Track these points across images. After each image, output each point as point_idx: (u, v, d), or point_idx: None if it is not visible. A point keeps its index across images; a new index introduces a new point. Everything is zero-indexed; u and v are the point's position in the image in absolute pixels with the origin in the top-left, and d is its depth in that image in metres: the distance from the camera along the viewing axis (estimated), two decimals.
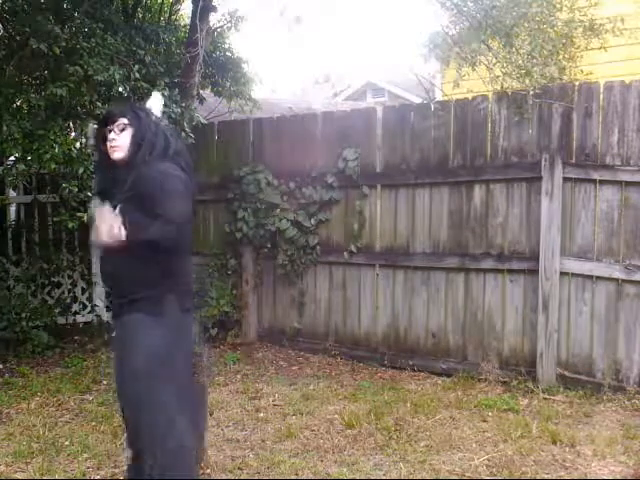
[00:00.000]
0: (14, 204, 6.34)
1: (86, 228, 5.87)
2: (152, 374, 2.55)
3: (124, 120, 2.63)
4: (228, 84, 6.51)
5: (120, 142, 2.62)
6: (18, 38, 5.15)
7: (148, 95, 2.88)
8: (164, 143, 2.64)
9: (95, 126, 2.86)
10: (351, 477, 3.29)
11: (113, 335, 2.78)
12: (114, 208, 2.51)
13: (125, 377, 2.64)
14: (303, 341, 5.78)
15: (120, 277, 2.63)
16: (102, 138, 2.68)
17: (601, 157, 4.43)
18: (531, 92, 4.57)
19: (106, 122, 2.68)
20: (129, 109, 2.70)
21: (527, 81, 4.64)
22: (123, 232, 2.41)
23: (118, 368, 2.71)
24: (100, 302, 6.37)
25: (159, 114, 2.78)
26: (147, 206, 2.46)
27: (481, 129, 4.89)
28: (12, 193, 6.21)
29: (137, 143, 2.61)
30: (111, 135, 2.64)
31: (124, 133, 2.63)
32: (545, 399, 4.38)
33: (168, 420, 2.56)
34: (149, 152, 2.59)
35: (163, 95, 2.84)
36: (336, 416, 4.11)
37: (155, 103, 2.80)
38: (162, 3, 6.84)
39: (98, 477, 3.34)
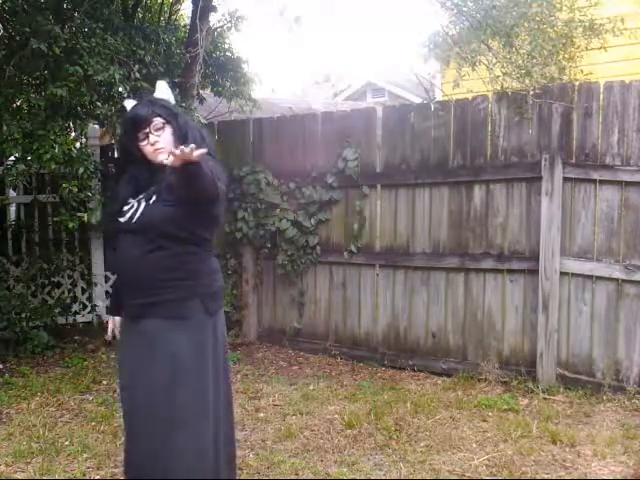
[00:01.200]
0: (14, 204, 6.35)
1: (86, 228, 5.91)
2: (177, 384, 2.48)
3: (160, 120, 2.51)
4: (228, 84, 6.51)
5: (163, 143, 2.51)
6: (18, 38, 5.15)
7: (151, 94, 2.82)
8: (199, 134, 2.59)
9: (118, 131, 2.77)
10: (351, 477, 3.29)
11: (123, 336, 2.71)
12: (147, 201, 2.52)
13: (144, 387, 2.53)
14: (303, 341, 5.78)
15: (142, 278, 2.51)
16: (134, 141, 2.55)
17: (601, 157, 4.43)
18: (531, 92, 4.57)
19: (137, 125, 2.55)
20: (159, 107, 2.55)
21: (527, 81, 4.65)
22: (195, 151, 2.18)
23: (134, 376, 2.58)
24: (100, 302, 6.37)
25: (172, 101, 2.70)
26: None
27: (481, 129, 4.89)
28: (12, 193, 6.21)
29: (179, 140, 2.49)
30: (152, 138, 2.51)
31: (165, 133, 2.52)
32: (545, 399, 4.38)
33: (193, 429, 2.51)
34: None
35: (167, 83, 2.74)
36: (336, 416, 4.11)
37: (164, 93, 2.68)
38: (162, 3, 6.84)
39: (98, 477, 3.34)
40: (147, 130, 2.52)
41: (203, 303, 2.53)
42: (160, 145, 2.51)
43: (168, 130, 2.54)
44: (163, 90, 2.69)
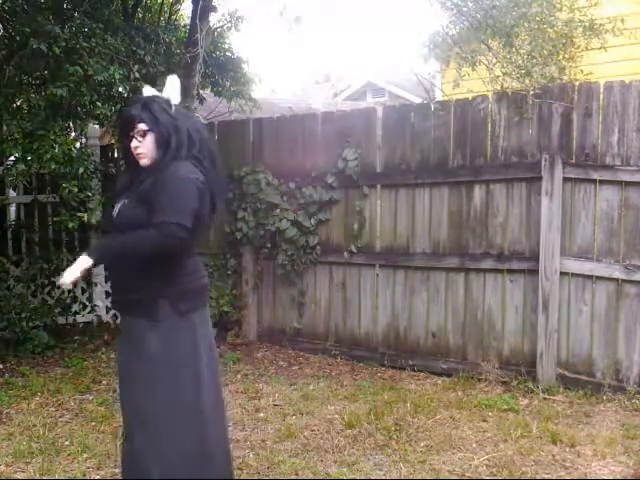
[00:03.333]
0: (14, 204, 6.34)
1: (86, 228, 5.91)
2: (153, 379, 2.53)
3: (143, 127, 2.52)
4: (228, 84, 6.51)
5: (144, 149, 2.54)
6: (18, 38, 5.15)
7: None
8: (187, 142, 2.54)
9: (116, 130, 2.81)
10: (351, 477, 3.29)
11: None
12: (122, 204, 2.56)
13: (128, 380, 2.62)
14: (303, 341, 5.78)
15: (118, 276, 2.62)
16: (127, 141, 2.60)
17: (601, 157, 4.43)
18: (531, 92, 4.57)
19: (126, 125, 2.58)
20: (146, 111, 2.54)
21: (527, 81, 4.64)
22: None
23: (120, 373, 2.69)
24: (100, 302, 6.37)
25: (177, 101, 2.68)
26: (151, 208, 2.43)
27: (481, 129, 4.89)
28: (12, 193, 6.20)
29: (162, 147, 2.52)
30: (133, 143, 2.54)
31: (147, 139, 2.53)
32: (545, 399, 4.38)
33: (171, 430, 2.54)
34: (173, 155, 2.49)
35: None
36: (336, 416, 4.11)
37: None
38: (162, 3, 6.84)
39: (98, 477, 3.34)
40: (132, 133, 2.56)
41: (172, 304, 2.52)
42: (140, 151, 2.55)
43: (150, 137, 2.54)
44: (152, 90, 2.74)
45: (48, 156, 4.63)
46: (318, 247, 5.63)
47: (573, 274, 4.54)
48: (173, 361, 2.54)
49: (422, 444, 3.67)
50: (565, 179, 4.52)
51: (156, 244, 2.40)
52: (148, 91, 2.72)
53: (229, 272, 6.07)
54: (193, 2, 5.53)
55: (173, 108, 2.61)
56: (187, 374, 2.57)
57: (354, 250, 5.44)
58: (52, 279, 6.11)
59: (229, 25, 6.22)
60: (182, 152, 2.51)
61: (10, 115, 4.79)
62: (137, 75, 5.02)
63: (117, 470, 3.33)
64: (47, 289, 6.15)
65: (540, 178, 4.58)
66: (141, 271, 2.50)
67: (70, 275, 2.38)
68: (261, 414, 4.20)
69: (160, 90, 2.73)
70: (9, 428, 3.94)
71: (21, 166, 4.78)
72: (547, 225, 4.55)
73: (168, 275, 2.53)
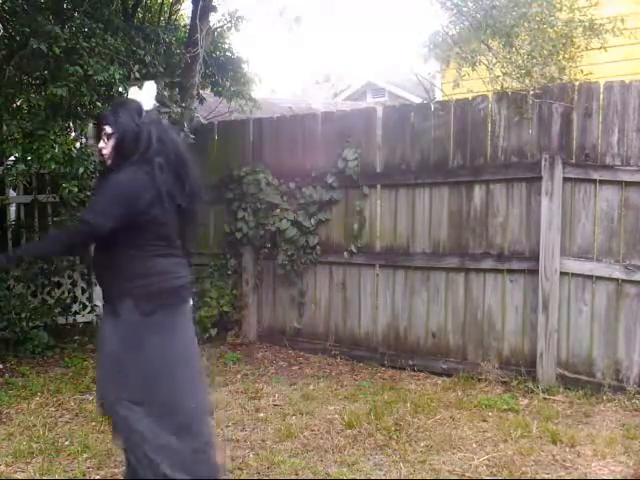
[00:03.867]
0: (14, 204, 6.34)
1: None
2: (112, 378, 2.63)
3: (108, 129, 2.65)
4: (228, 84, 6.51)
5: (107, 150, 2.68)
6: (18, 38, 5.15)
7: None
8: (144, 146, 2.62)
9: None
10: (351, 477, 3.29)
11: None
12: None
13: (99, 380, 2.77)
14: (303, 341, 5.77)
15: (98, 277, 2.80)
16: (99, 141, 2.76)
17: (601, 157, 4.43)
18: (531, 92, 4.57)
19: (98, 128, 2.78)
20: (112, 115, 2.68)
21: (527, 81, 4.65)
22: None
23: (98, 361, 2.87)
24: (100, 302, 6.36)
25: (150, 105, 2.76)
26: None
27: (481, 129, 4.89)
28: (12, 193, 6.20)
29: (119, 150, 2.65)
30: (100, 144, 2.70)
31: (110, 141, 2.66)
32: (545, 399, 4.38)
33: (129, 428, 2.59)
34: (128, 159, 2.61)
35: (158, 84, 2.79)
36: (336, 416, 4.11)
37: (147, 94, 2.77)
38: (162, 3, 6.84)
39: (98, 477, 3.34)
40: (101, 135, 2.69)
41: (136, 304, 2.57)
42: (104, 152, 2.69)
43: (112, 140, 2.66)
44: (147, 90, 2.79)
45: (48, 156, 4.63)
46: (318, 247, 5.63)
47: (573, 274, 4.54)
48: (134, 359, 2.58)
49: (422, 444, 3.67)
50: (565, 179, 4.52)
51: (67, 239, 2.75)
52: (134, 92, 2.80)
53: (229, 272, 6.07)
54: (193, 2, 5.53)
55: (143, 114, 2.69)
56: (148, 373, 2.59)
57: (354, 250, 5.44)
58: (52, 279, 6.12)
59: (229, 25, 6.22)
60: (135, 157, 2.61)
61: (10, 115, 4.79)
62: (137, 75, 5.02)
63: (117, 470, 3.33)
64: (47, 289, 6.15)
65: (540, 178, 4.58)
66: (110, 270, 2.64)
67: None
68: (261, 414, 4.20)
69: (160, 90, 2.78)
70: (9, 428, 3.94)
71: (21, 166, 4.78)
72: (547, 225, 4.54)
73: (134, 275, 2.61)
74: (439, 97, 8.25)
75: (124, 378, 2.59)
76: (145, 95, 2.77)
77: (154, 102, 2.81)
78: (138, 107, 2.70)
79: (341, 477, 3.28)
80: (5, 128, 4.75)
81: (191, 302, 2.86)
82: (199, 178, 2.82)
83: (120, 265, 2.61)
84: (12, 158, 5.20)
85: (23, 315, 5.63)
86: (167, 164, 2.65)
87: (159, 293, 2.63)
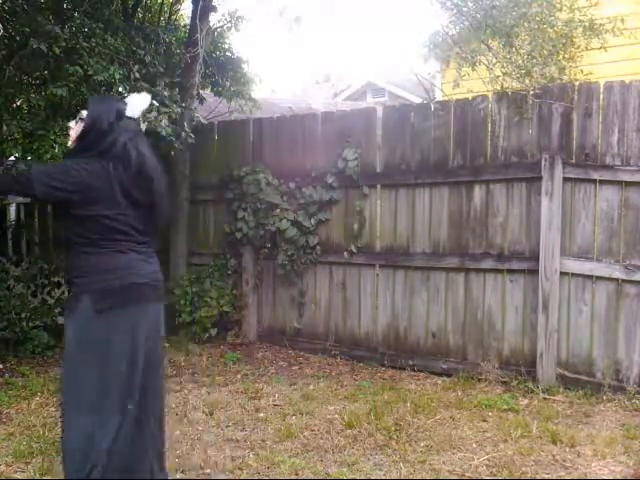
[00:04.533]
0: (14, 204, 6.34)
1: None
2: (65, 373, 2.69)
3: (83, 114, 2.74)
4: (228, 84, 6.51)
5: (72, 132, 2.79)
6: (18, 38, 5.15)
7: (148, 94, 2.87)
8: (104, 147, 2.65)
9: None
10: (351, 477, 3.29)
11: None
12: None
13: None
14: (303, 341, 5.77)
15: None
16: None
17: (601, 157, 4.43)
18: (531, 92, 4.57)
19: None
20: (93, 104, 2.80)
21: (527, 81, 4.65)
22: None
23: None
24: None
25: (136, 114, 2.78)
26: None
27: (481, 129, 4.89)
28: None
29: (81, 139, 2.72)
30: (71, 123, 2.82)
31: (77, 127, 2.76)
32: (545, 399, 4.38)
33: (67, 418, 2.64)
34: (87, 150, 2.68)
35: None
36: (336, 416, 4.11)
37: (139, 102, 2.80)
38: (162, 3, 6.84)
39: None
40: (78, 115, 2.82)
41: (91, 300, 2.59)
42: (71, 132, 2.82)
43: (79, 127, 2.76)
44: (140, 99, 2.82)
45: (48, 156, 4.63)
46: (318, 247, 5.63)
47: (573, 274, 4.54)
48: (84, 356, 2.61)
49: (422, 444, 3.67)
50: (565, 179, 4.52)
51: (8, 183, 2.97)
52: (132, 97, 2.85)
53: (229, 272, 6.07)
54: (193, 2, 5.54)
55: (124, 118, 2.73)
56: (94, 370, 2.59)
57: (354, 250, 5.44)
58: (52, 279, 6.12)
59: (229, 25, 6.22)
60: (93, 152, 2.66)
61: (10, 115, 4.79)
62: (137, 75, 5.02)
63: None
64: (47, 289, 6.15)
65: (540, 178, 4.58)
66: (71, 267, 2.71)
67: None
68: (261, 414, 4.20)
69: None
70: (9, 428, 3.94)
71: (21, 166, 4.78)
72: (547, 225, 4.55)
73: (90, 271, 2.64)
74: (439, 97, 8.25)
75: (69, 371, 2.66)
76: (137, 103, 2.80)
77: (141, 111, 2.83)
78: (120, 110, 2.73)
79: (341, 477, 3.28)
80: (5, 128, 4.75)
81: (158, 302, 2.79)
82: (164, 195, 2.81)
83: (78, 262, 2.66)
84: (12, 158, 5.20)
85: (23, 315, 5.63)
86: (124, 169, 2.65)
87: (115, 291, 2.62)
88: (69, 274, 2.77)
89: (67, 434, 2.65)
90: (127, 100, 2.81)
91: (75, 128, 2.76)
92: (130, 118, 2.75)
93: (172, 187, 2.87)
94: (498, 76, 4.89)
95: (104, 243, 2.63)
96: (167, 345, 5.82)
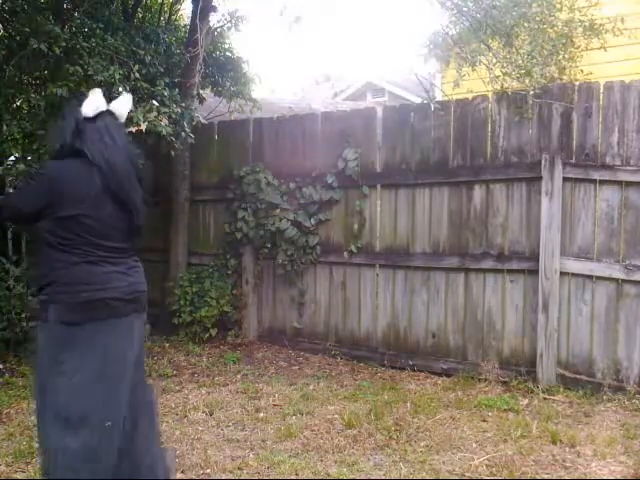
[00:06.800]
0: None
1: None
2: (36, 378, 2.58)
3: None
4: (228, 84, 6.50)
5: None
6: (18, 38, 5.15)
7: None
8: (66, 141, 2.62)
9: None
10: (351, 477, 3.29)
11: None
12: None
13: None
14: (303, 341, 5.78)
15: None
16: None
17: (601, 157, 4.43)
18: (531, 92, 4.57)
19: None
20: (69, 106, 2.84)
21: (527, 81, 4.65)
22: None
23: None
24: None
25: (122, 116, 2.75)
26: None
27: (481, 129, 4.89)
28: None
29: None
30: None
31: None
32: (545, 399, 4.38)
33: (41, 425, 2.55)
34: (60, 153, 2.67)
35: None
36: (336, 416, 4.11)
37: (122, 104, 2.77)
38: (162, 3, 6.84)
39: None
40: None
41: (60, 311, 2.48)
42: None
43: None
44: (122, 101, 2.78)
45: (48, 156, 4.62)
46: (318, 247, 5.63)
47: (573, 274, 4.54)
48: (53, 367, 2.49)
49: (422, 444, 3.67)
50: (565, 179, 4.52)
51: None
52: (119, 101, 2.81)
53: (229, 272, 6.07)
54: (193, 2, 5.53)
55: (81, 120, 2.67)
56: (66, 383, 2.48)
57: (354, 250, 5.44)
58: None
59: (229, 25, 6.21)
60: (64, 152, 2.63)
61: (10, 115, 4.79)
62: (137, 75, 5.01)
63: None
64: None
65: (540, 178, 4.58)
66: (41, 271, 2.57)
67: None
68: (261, 414, 4.20)
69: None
70: (9, 428, 3.94)
71: (21, 166, 4.77)
72: (547, 225, 4.55)
73: (57, 281, 2.50)
74: (439, 97, 8.24)
75: (39, 380, 2.54)
76: (120, 105, 2.76)
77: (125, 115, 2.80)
78: (78, 118, 2.65)
79: (341, 477, 3.28)
80: (5, 128, 4.74)
81: (136, 314, 2.64)
82: (139, 195, 2.69)
83: (46, 268, 2.53)
84: (12, 158, 5.19)
85: (23, 315, 5.62)
86: (98, 170, 2.56)
87: (82, 305, 2.49)
88: (36, 277, 2.57)
89: (41, 440, 2.59)
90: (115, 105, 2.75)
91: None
92: (110, 114, 2.68)
93: (143, 184, 2.75)
94: (498, 76, 4.89)
95: (76, 251, 2.50)
96: (167, 345, 5.84)
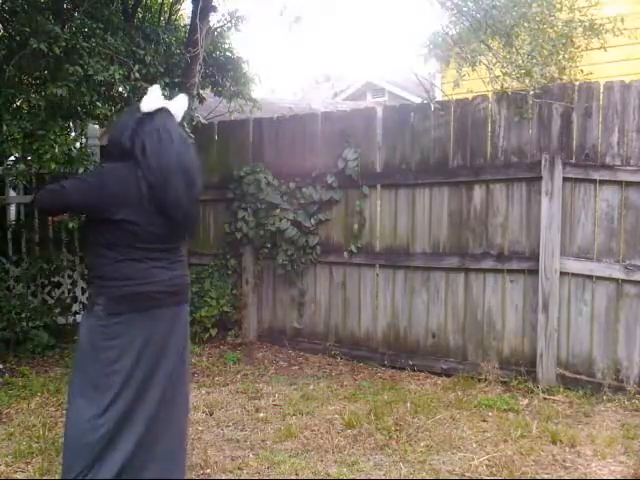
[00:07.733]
0: (14, 204, 6.34)
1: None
2: (75, 365, 2.77)
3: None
4: (228, 84, 6.50)
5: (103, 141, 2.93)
6: (18, 38, 5.15)
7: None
8: (125, 145, 2.66)
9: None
10: (351, 477, 3.29)
11: None
12: None
13: None
14: (303, 341, 5.78)
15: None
16: None
17: (601, 157, 4.43)
18: (531, 92, 4.57)
19: None
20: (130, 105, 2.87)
21: (527, 81, 4.65)
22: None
23: None
24: None
25: (178, 116, 2.81)
26: None
27: (481, 129, 4.89)
28: (12, 193, 6.20)
29: (107, 146, 2.82)
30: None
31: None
32: (545, 399, 4.38)
33: (70, 411, 2.70)
34: (112, 156, 2.75)
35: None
36: (336, 416, 4.11)
37: (179, 104, 2.84)
38: (162, 3, 6.83)
39: None
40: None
41: (106, 303, 2.63)
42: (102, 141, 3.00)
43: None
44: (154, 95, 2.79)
45: (48, 156, 4.63)
46: (318, 247, 5.63)
47: (573, 274, 4.54)
48: (92, 355, 2.65)
49: (422, 444, 3.67)
50: (565, 179, 4.52)
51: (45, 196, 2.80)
52: (175, 100, 2.86)
53: (229, 272, 6.07)
54: (193, 2, 5.53)
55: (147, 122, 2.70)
56: (99, 371, 2.63)
57: (354, 250, 5.44)
58: (52, 279, 6.12)
59: (229, 25, 6.21)
60: (114, 151, 2.72)
61: (10, 115, 4.78)
62: (137, 75, 5.01)
63: None
64: (47, 289, 6.15)
65: (540, 178, 4.59)
66: (91, 270, 2.82)
67: None
68: (261, 414, 4.20)
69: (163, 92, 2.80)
70: (9, 428, 3.94)
71: (21, 166, 4.78)
72: (547, 225, 4.55)
73: (107, 276, 2.65)
74: (439, 97, 8.24)
75: (76, 366, 2.73)
76: (175, 105, 2.81)
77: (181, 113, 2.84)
78: (139, 116, 2.70)
79: (341, 477, 3.28)
80: (5, 128, 4.74)
81: (178, 305, 2.77)
82: (191, 199, 2.75)
83: (95, 265, 2.71)
84: (12, 158, 5.19)
85: (23, 315, 5.62)
86: (148, 175, 2.61)
87: (127, 297, 2.63)
88: (89, 272, 2.82)
89: (67, 424, 2.73)
90: (171, 104, 2.80)
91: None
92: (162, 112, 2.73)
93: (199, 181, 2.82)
94: (498, 76, 4.89)
95: (121, 250, 2.62)
96: None
